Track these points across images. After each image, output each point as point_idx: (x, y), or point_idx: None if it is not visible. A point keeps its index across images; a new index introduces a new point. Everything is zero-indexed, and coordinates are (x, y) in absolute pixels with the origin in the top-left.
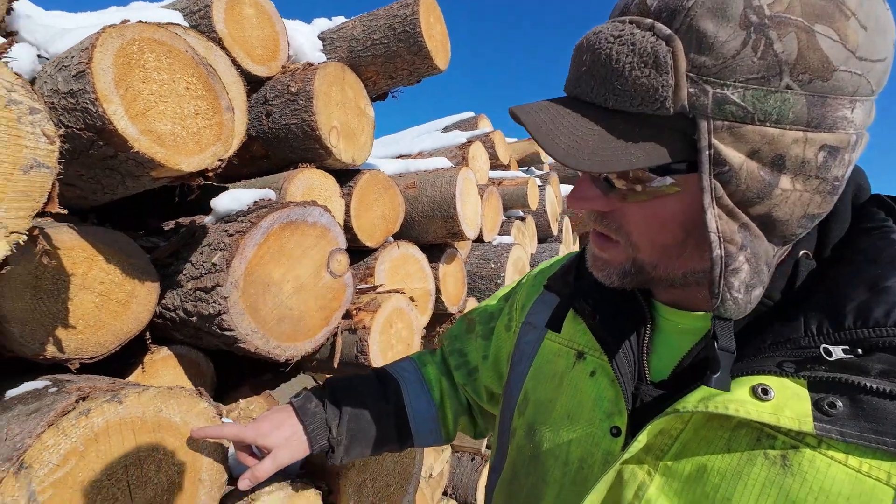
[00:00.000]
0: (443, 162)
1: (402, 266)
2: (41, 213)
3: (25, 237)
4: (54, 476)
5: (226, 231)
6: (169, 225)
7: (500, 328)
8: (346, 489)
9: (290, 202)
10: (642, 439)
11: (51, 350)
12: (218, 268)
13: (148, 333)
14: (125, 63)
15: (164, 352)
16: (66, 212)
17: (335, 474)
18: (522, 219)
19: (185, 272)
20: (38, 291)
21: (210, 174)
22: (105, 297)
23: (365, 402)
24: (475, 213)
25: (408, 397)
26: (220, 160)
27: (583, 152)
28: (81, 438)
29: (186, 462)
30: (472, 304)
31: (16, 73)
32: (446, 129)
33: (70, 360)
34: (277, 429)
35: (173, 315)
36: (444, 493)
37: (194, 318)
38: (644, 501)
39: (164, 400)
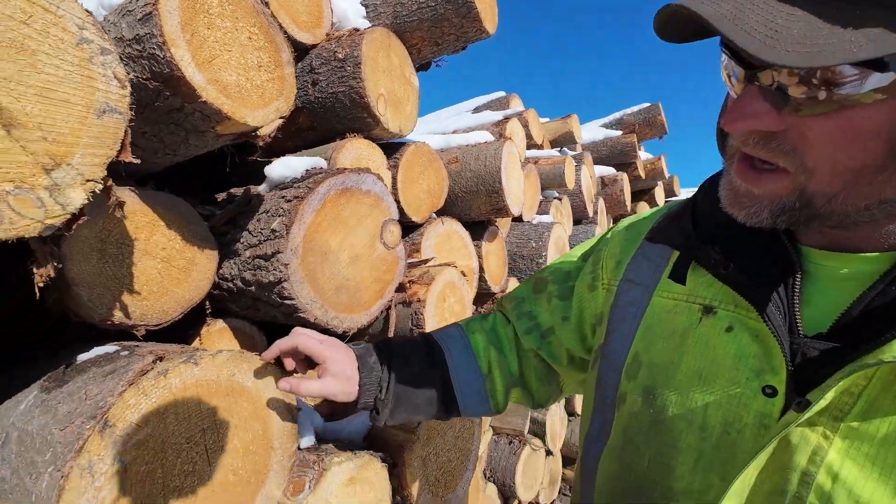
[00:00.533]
0: (484, 136)
1: (447, 242)
2: (114, 163)
3: (101, 186)
4: (137, 437)
5: (283, 197)
6: (221, 196)
7: (581, 288)
8: (411, 462)
9: (345, 168)
10: (829, 397)
11: (118, 315)
12: (277, 234)
13: (207, 303)
14: (190, 6)
15: (220, 324)
16: (138, 161)
17: (399, 447)
18: (559, 199)
19: (242, 240)
20: (103, 255)
21: (263, 140)
22: (167, 264)
23: (412, 367)
24: (519, 189)
25: (452, 366)
26: (282, 117)
27: (785, 42)
28: (161, 399)
29: (259, 428)
30: (513, 283)
31: (86, 10)
32: (476, 109)
33: (136, 326)
34: (347, 362)
35: (230, 285)
36: (482, 476)
37: (253, 287)
38: (824, 467)
39: (237, 364)
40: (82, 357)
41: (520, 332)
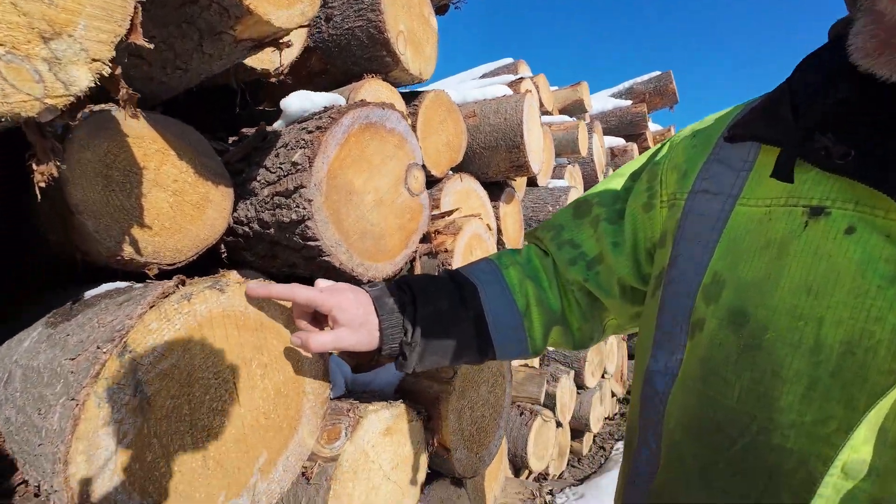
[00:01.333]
0: (502, 90)
1: (465, 200)
2: (123, 48)
3: (108, 69)
4: (160, 366)
5: (304, 128)
6: (232, 139)
7: (634, 208)
8: (447, 414)
9: (369, 102)
10: None
11: (128, 250)
12: (299, 167)
13: (223, 247)
14: None
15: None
16: (151, 46)
17: (434, 399)
18: (571, 166)
19: (258, 178)
20: (109, 182)
21: (274, 77)
22: (179, 198)
23: (440, 305)
24: (539, 146)
25: (486, 303)
26: (306, 24)
27: None
28: (185, 327)
29: (291, 370)
30: None
31: None
32: (483, 76)
33: (148, 264)
34: (356, 308)
35: (246, 229)
36: None
37: (272, 229)
38: None
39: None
40: (91, 293)
41: (562, 264)
